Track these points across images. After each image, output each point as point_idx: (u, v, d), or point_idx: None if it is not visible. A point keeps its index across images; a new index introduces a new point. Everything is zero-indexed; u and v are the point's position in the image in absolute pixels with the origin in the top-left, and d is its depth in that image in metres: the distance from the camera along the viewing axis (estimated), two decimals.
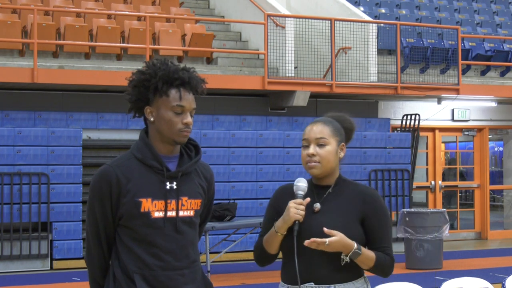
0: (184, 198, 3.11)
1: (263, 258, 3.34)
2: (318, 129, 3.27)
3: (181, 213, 3.10)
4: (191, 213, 3.14)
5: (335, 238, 3.12)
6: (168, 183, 3.09)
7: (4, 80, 10.80)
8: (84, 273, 10.32)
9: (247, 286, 9.63)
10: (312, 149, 3.24)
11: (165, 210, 3.07)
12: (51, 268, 10.85)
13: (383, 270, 3.27)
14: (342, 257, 3.18)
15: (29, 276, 10.36)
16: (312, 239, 3.12)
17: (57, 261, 10.84)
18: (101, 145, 11.58)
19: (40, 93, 11.54)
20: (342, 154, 3.30)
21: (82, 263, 10.94)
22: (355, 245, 3.16)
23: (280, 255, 3.36)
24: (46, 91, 11.55)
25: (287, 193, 3.30)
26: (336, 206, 3.24)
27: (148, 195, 3.06)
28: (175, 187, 3.10)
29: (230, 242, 10.64)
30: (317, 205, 3.25)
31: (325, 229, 3.14)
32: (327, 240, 3.11)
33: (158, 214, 3.06)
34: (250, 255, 11.91)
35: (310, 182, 3.32)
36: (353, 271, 3.24)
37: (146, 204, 3.05)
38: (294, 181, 3.28)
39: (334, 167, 3.29)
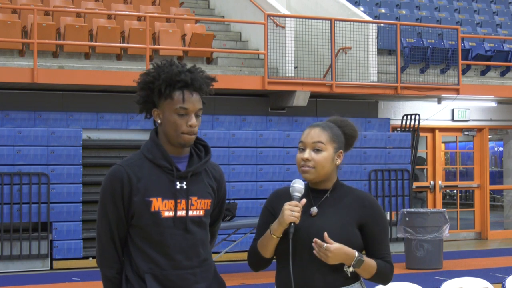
0: (194, 198, 3.13)
1: (257, 262, 3.26)
2: (316, 133, 3.17)
3: (190, 213, 3.11)
4: (201, 212, 3.15)
5: (336, 245, 3.04)
6: (178, 183, 3.10)
7: (4, 80, 10.80)
8: (84, 273, 10.37)
9: (247, 286, 9.62)
10: (307, 153, 3.16)
11: (175, 210, 3.08)
12: (51, 268, 10.85)
13: (384, 278, 3.21)
14: (345, 269, 3.10)
15: (29, 276, 10.35)
16: (315, 239, 3.05)
17: (57, 261, 10.84)
18: (101, 145, 11.58)
19: (40, 93, 11.53)
20: (339, 161, 3.21)
21: (82, 263, 10.95)
22: (357, 252, 3.09)
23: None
24: (46, 91, 11.55)
25: (282, 196, 3.24)
26: (334, 211, 3.16)
27: (158, 195, 3.07)
28: (185, 187, 3.11)
29: (230, 242, 10.64)
30: (314, 209, 3.17)
31: (325, 234, 3.05)
32: (325, 244, 3.03)
33: (168, 214, 3.08)
34: None
35: (306, 186, 3.24)
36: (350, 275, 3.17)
37: (156, 203, 3.07)
38: (291, 183, 3.23)
39: (329, 173, 3.19)
